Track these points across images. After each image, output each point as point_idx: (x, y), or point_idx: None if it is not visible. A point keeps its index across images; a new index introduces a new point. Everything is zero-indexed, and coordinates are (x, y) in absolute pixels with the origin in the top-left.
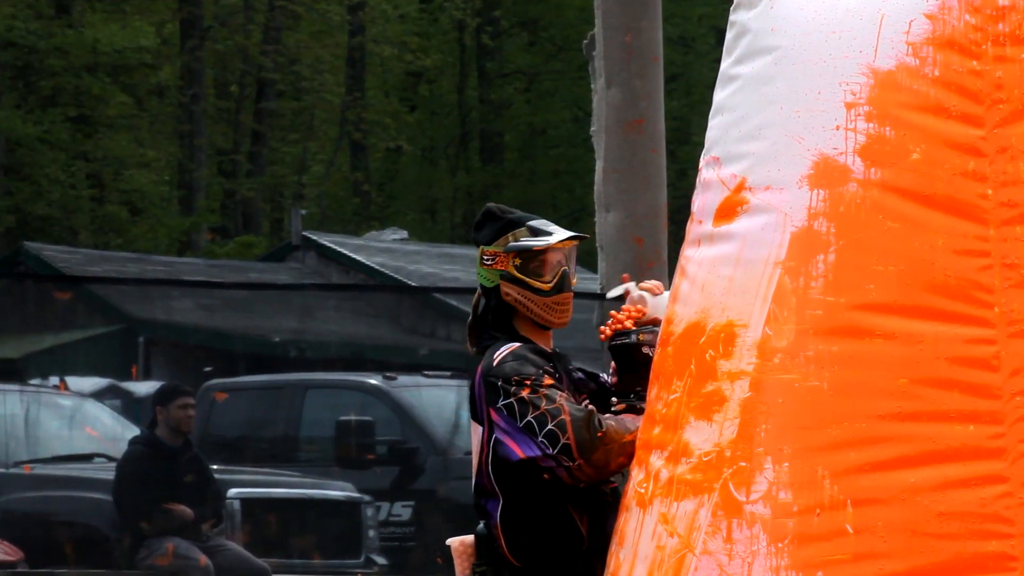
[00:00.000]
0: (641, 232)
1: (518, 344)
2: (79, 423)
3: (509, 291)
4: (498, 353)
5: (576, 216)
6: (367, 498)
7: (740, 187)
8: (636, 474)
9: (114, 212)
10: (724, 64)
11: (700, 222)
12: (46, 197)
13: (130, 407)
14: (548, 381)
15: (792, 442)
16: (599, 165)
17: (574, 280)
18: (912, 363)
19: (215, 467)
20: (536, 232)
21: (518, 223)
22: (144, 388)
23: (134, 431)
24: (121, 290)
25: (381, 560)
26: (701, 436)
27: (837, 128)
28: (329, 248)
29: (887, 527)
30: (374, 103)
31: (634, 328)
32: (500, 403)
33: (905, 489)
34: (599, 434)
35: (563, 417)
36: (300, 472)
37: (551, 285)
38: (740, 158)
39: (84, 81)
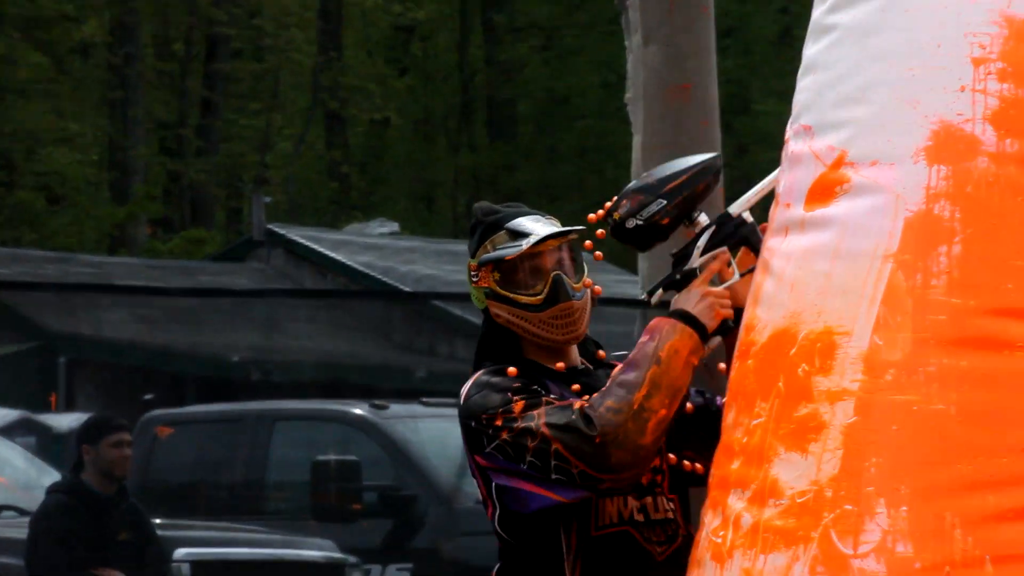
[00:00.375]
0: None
1: (482, 371)
2: None
3: (498, 311)
4: (464, 389)
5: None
6: (352, 559)
7: (839, 162)
8: (711, 519)
9: (27, 200)
10: (817, 11)
11: (788, 206)
12: None
13: (48, 446)
14: (519, 405)
15: (911, 480)
16: (636, 141)
17: (580, 283)
18: None
19: (158, 521)
20: (516, 235)
21: (497, 226)
22: (66, 421)
23: (53, 476)
24: (37, 298)
25: None
26: (794, 472)
27: (962, 89)
28: (300, 244)
29: None
30: (354, 65)
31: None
32: (487, 448)
33: None
34: (597, 439)
35: (554, 446)
36: (266, 527)
37: (542, 297)
38: (839, 126)
39: None
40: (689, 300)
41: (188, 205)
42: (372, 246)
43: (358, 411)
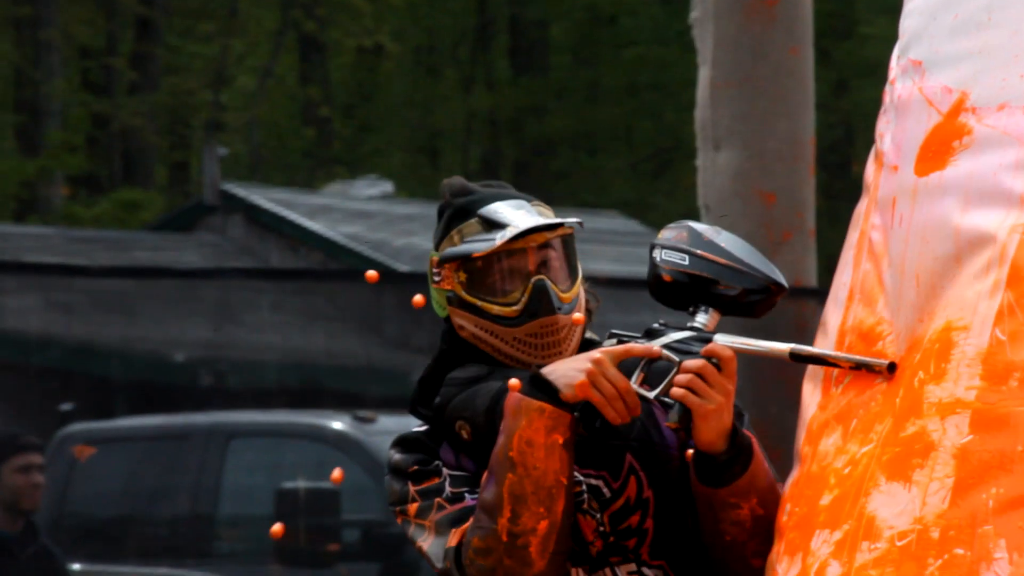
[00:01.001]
0: (772, 183)
1: (412, 430)
2: None
3: (462, 322)
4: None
5: (666, 158)
6: None
7: (958, 108)
8: (785, 568)
9: None
10: None
11: (895, 168)
12: None
13: None
14: (413, 507)
15: None
16: (703, 75)
17: (569, 294)
18: None
19: (76, 567)
20: (490, 225)
21: (468, 210)
22: None
23: None
24: None
25: None
26: (895, 507)
27: None
28: (267, 211)
29: None
30: None
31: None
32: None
33: None
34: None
35: (439, 567)
36: (217, 574)
37: (518, 308)
38: (957, 61)
39: None
40: (567, 359)
41: (119, 158)
42: (359, 213)
43: (337, 425)
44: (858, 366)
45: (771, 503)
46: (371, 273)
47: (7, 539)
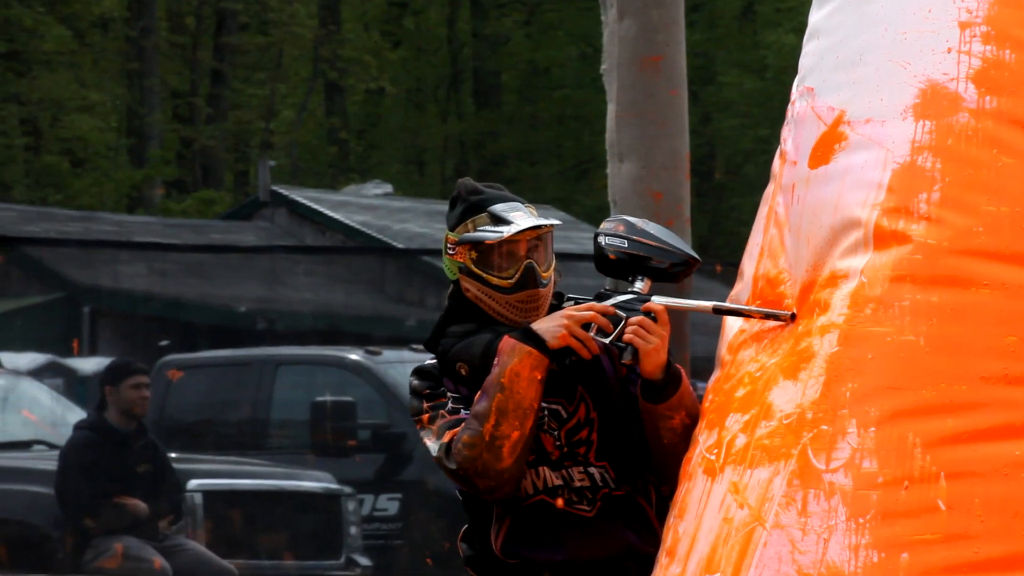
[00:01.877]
0: (660, 185)
1: (430, 358)
2: (14, 405)
3: (469, 286)
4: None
5: (585, 167)
6: (348, 490)
7: (838, 121)
8: (705, 439)
9: (53, 163)
10: None
11: (794, 163)
12: None
13: (73, 387)
14: (425, 417)
15: (880, 404)
16: (611, 109)
17: (548, 273)
18: (1023, 318)
19: (173, 455)
20: (497, 220)
21: (480, 207)
22: (89, 365)
23: (79, 414)
24: (62, 253)
25: (364, 561)
26: (785, 397)
27: (949, 51)
28: (302, 204)
29: (985, 505)
30: (352, 38)
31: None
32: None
33: (1009, 463)
34: (460, 472)
35: (434, 455)
36: (270, 461)
37: (512, 282)
38: (838, 88)
39: (14, 11)
40: (546, 318)
41: (199, 168)
42: (368, 206)
43: (354, 356)
44: (767, 316)
45: (695, 415)
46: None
47: (125, 435)
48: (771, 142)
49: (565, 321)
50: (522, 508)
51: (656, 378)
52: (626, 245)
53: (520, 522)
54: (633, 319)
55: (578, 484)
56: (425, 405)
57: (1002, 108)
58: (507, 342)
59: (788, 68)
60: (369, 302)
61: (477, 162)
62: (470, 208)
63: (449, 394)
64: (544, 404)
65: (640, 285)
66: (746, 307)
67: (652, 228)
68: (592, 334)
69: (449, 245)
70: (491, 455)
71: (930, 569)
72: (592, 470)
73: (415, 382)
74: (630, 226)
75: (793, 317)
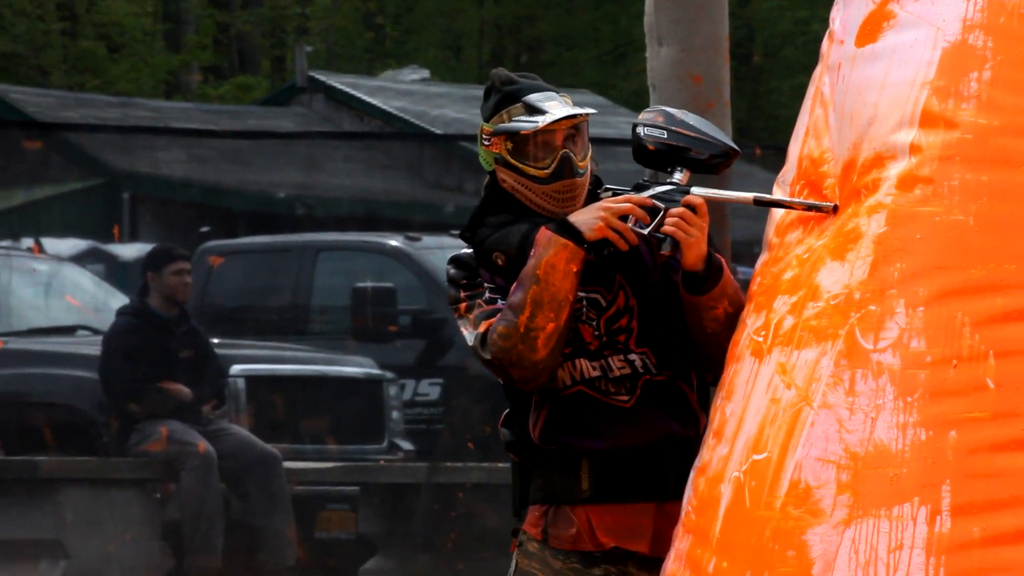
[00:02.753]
0: (699, 68)
1: (466, 247)
2: (57, 291)
3: (505, 177)
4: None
5: (623, 51)
6: (389, 375)
7: None
8: (753, 321)
9: (90, 48)
10: None
11: (841, 42)
12: (10, 31)
13: (115, 272)
14: (462, 307)
15: (929, 284)
16: None
17: (584, 162)
18: None
19: (215, 341)
20: (532, 110)
21: (514, 97)
22: (130, 251)
23: (121, 300)
24: (100, 138)
25: (406, 445)
26: (832, 278)
27: None
28: (340, 91)
29: None
30: None
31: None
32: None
33: None
34: (494, 362)
35: (470, 344)
36: (312, 346)
37: (548, 172)
38: None
39: None
40: (583, 210)
41: (236, 54)
42: (405, 92)
43: (393, 242)
44: (809, 208)
45: (737, 304)
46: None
47: (168, 320)
48: (810, 24)
49: (602, 213)
50: (560, 397)
51: (698, 270)
52: (665, 136)
53: (558, 411)
54: (673, 211)
55: (617, 373)
56: (462, 295)
57: None
58: (543, 234)
59: None
60: (407, 188)
61: (514, 46)
62: (505, 98)
63: (486, 284)
64: (582, 293)
65: (679, 176)
66: (788, 199)
67: (691, 119)
68: (630, 225)
69: (484, 136)
70: (526, 346)
71: (978, 447)
72: (632, 356)
73: (452, 271)
74: (669, 116)
75: (835, 209)
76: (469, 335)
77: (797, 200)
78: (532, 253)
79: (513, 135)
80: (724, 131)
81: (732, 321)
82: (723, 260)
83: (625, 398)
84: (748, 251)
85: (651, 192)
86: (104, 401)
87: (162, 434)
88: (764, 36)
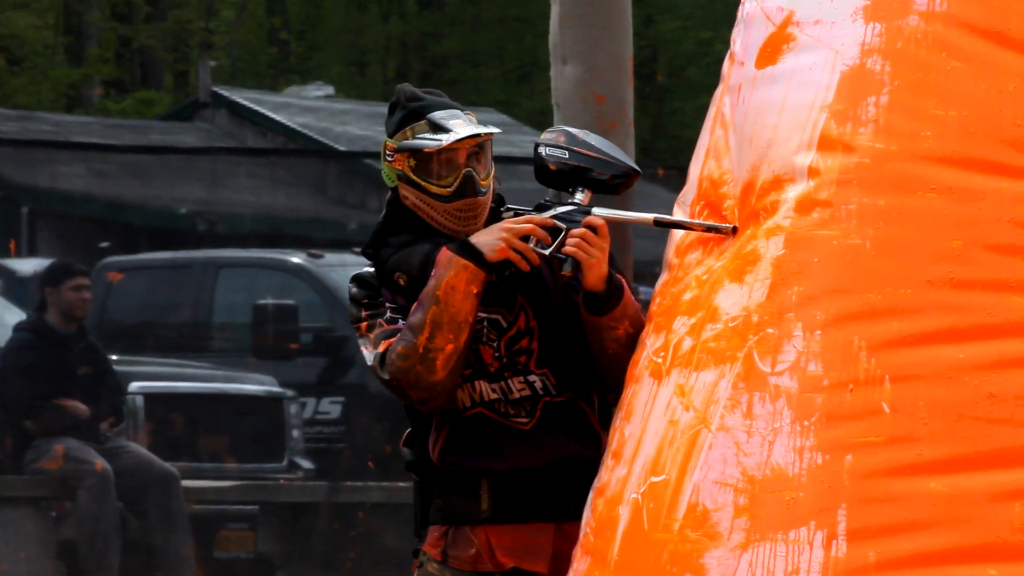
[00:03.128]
0: (603, 88)
1: (369, 265)
2: None
3: (407, 194)
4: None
5: (527, 70)
6: (290, 393)
7: (787, 22)
8: (652, 341)
9: None
10: None
11: (742, 64)
12: None
13: (12, 288)
14: (363, 326)
15: (826, 307)
16: (554, 10)
17: (487, 181)
18: (969, 223)
19: (113, 357)
20: (436, 128)
21: (419, 114)
22: (28, 266)
23: (18, 315)
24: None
25: (306, 464)
26: (731, 300)
27: None
28: (243, 106)
29: (929, 408)
30: None
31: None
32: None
33: (952, 366)
34: (393, 383)
35: (369, 364)
36: (212, 363)
37: (451, 190)
38: None
39: None
40: (484, 231)
41: (139, 68)
42: (309, 108)
43: (295, 259)
44: (708, 229)
45: (638, 325)
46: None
47: (65, 337)
48: (713, 44)
49: (503, 234)
50: (460, 419)
51: (599, 290)
52: (567, 156)
53: (458, 432)
54: (574, 231)
55: (517, 395)
56: (363, 314)
57: (952, 11)
58: (444, 254)
59: None
60: (311, 205)
61: (419, 63)
62: (409, 115)
63: (387, 304)
64: (483, 314)
65: (580, 196)
66: (687, 220)
67: (593, 139)
68: (532, 245)
69: (388, 152)
70: (424, 367)
71: (874, 471)
72: (532, 378)
73: (354, 290)
74: (571, 137)
75: (734, 230)
76: (369, 354)
77: (696, 221)
78: (433, 273)
79: (416, 152)
80: (627, 151)
81: (633, 341)
82: (623, 280)
83: (524, 420)
84: (650, 271)
85: (552, 212)
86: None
87: (58, 452)
88: (668, 56)
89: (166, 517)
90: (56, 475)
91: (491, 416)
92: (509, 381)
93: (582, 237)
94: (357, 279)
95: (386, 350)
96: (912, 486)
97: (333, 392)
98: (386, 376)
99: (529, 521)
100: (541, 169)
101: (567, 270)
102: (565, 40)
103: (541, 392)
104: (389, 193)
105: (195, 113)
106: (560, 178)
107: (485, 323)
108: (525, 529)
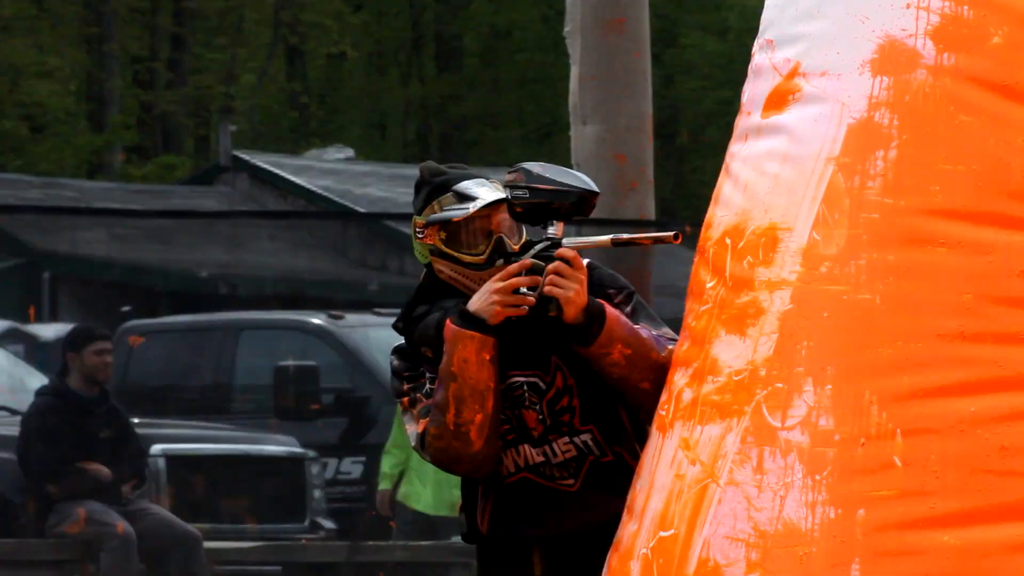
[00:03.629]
0: (623, 148)
1: (401, 343)
2: None
3: (442, 268)
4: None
5: (548, 131)
6: (311, 454)
7: (793, 73)
8: (661, 396)
9: (12, 129)
10: None
11: (748, 114)
12: None
13: (34, 353)
14: (405, 401)
15: (837, 362)
16: (574, 71)
17: (518, 244)
18: (980, 277)
19: (135, 421)
20: (463, 198)
21: (444, 187)
22: (50, 331)
23: (40, 380)
24: (22, 219)
25: (328, 524)
26: (732, 352)
27: (907, 7)
28: (264, 170)
29: (941, 461)
30: (312, 1)
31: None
32: None
33: (964, 419)
34: (433, 461)
35: (412, 444)
36: (233, 425)
37: (483, 257)
38: (795, 40)
39: None
40: (476, 297)
41: (160, 133)
42: (329, 171)
43: (316, 321)
44: (656, 240)
45: (634, 344)
46: None
47: (88, 401)
48: (733, 103)
49: (495, 298)
50: (505, 485)
51: (580, 322)
52: (528, 195)
53: (504, 499)
54: (548, 268)
55: (561, 458)
56: (405, 387)
57: (960, 65)
58: (449, 329)
59: (750, 30)
60: (331, 266)
61: (439, 125)
62: (435, 190)
63: (428, 375)
64: (522, 378)
65: (552, 230)
66: (638, 235)
67: (549, 172)
68: (524, 291)
69: (418, 229)
70: (460, 442)
71: (886, 525)
72: (577, 440)
73: (395, 363)
74: (528, 174)
75: (678, 236)
76: (412, 434)
77: (644, 235)
78: (444, 350)
79: (446, 224)
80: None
81: (637, 362)
82: (604, 304)
83: (570, 482)
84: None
85: (532, 252)
86: (22, 482)
87: (80, 515)
88: (688, 116)
89: None
90: (79, 539)
91: (536, 480)
92: (553, 444)
93: (556, 272)
94: (398, 351)
95: (424, 430)
96: (926, 539)
97: (354, 452)
98: (428, 457)
99: None
100: (511, 211)
101: (552, 310)
102: (585, 100)
103: (586, 451)
104: (423, 272)
105: (216, 177)
106: (529, 216)
107: (525, 387)
108: None
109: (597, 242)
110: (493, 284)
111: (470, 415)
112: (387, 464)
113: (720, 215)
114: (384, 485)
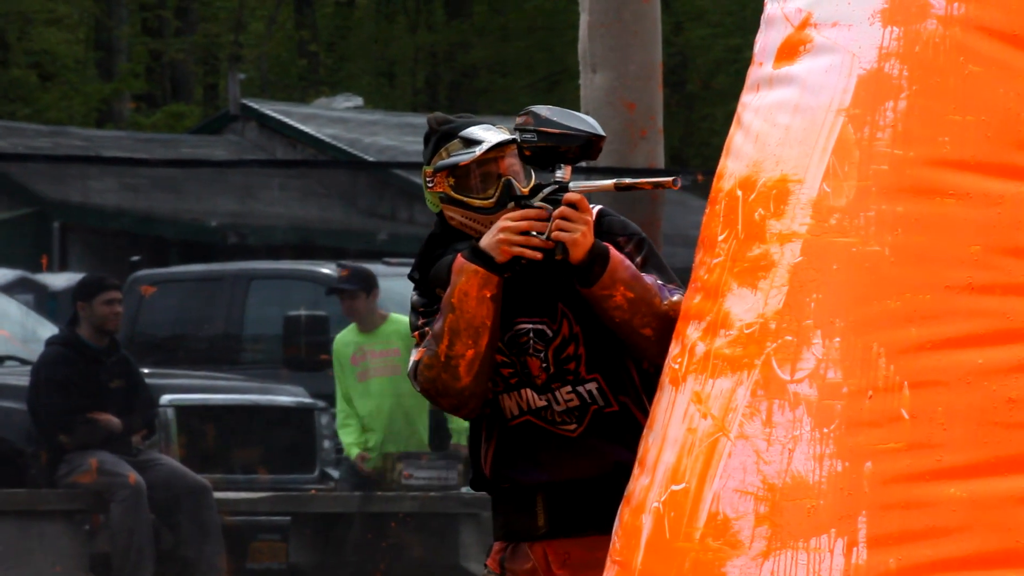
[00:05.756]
0: (632, 96)
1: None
2: None
3: (453, 214)
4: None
5: (557, 79)
6: (321, 404)
7: (805, 23)
8: (672, 348)
9: (21, 77)
10: None
11: (760, 64)
12: None
13: (44, 303)
14: (416, 335)
15: (845, 315)
16: (583, 19)
17: (528, 187)
18: (989, 228)
19: (145, 371)
20: (469, 143)
21: (451, 135)
22: (60, 281)
23: (51, 330)
24: (31, 168)
25: (337, 474)
26: (744, 305)
27: None
28: (273, 118)
29: (948, 413)
30: None
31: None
32: None
33: (972, 371)
34: (423, 391)
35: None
36: (243, 375)
37: (493, 201)
38: None
39: None
40: (487, 234)
41: (169, 82)
42: (338, 119)
43: (326, 271)
44: (655, 185)
45: (637, 287)
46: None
47: (98, 351)
48: (743, 51)
49: (502, 236)
50: (508, 428)
51: (583, 262)
52: (536, 138)
53: (505, 442)
54: (555, 213)
55: (564, 407)
56: (420, 321)
57: (970, 15)
58: (458, 262)
59: None
60: (342, 216)
61: (448, 73)
62: (442, 137)
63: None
64: (528, 325)
65: (560, 173)
66: (639, 180)
67: (557, 115)
68: (534, 234)
69: (427, 178)
70: (448, 375)
71: (893, 478)
72: (582, 388)
73: (415, 297)
74: (537, 117)
75: (676, 182)
76: (411, 364)
77: (645, 180)
78: (451, 280)
79: (453, 169)
80: (656, 158)
81: (639, 307)
82: (609, 247)
83: (572, 427)
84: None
85: (540, 195)
86: (33, 432)
87: (92, 465)
88: (697, 63)
89: (199, 529)
90: (90, 488)
91: (538, 424)
92: (556, 392)
93: (562, 216)
94: (420, 286)
95: (417, 360)
96: (932, 492)
97: None
98: (418, 387)
99: (585, 534)
100: (521, 154)
101: (559, 253)
102: (594, 48)
103: (590, 401)
104: (436, 220)
105: (225, 126)
106: (537, 159)
107: (531, 334)
108: (581, 543)
109: (601, 186)
110: (502, 222)
111: (462, 349)
112: (350, 437)
113: (732, 166)
114: (353, 452)
